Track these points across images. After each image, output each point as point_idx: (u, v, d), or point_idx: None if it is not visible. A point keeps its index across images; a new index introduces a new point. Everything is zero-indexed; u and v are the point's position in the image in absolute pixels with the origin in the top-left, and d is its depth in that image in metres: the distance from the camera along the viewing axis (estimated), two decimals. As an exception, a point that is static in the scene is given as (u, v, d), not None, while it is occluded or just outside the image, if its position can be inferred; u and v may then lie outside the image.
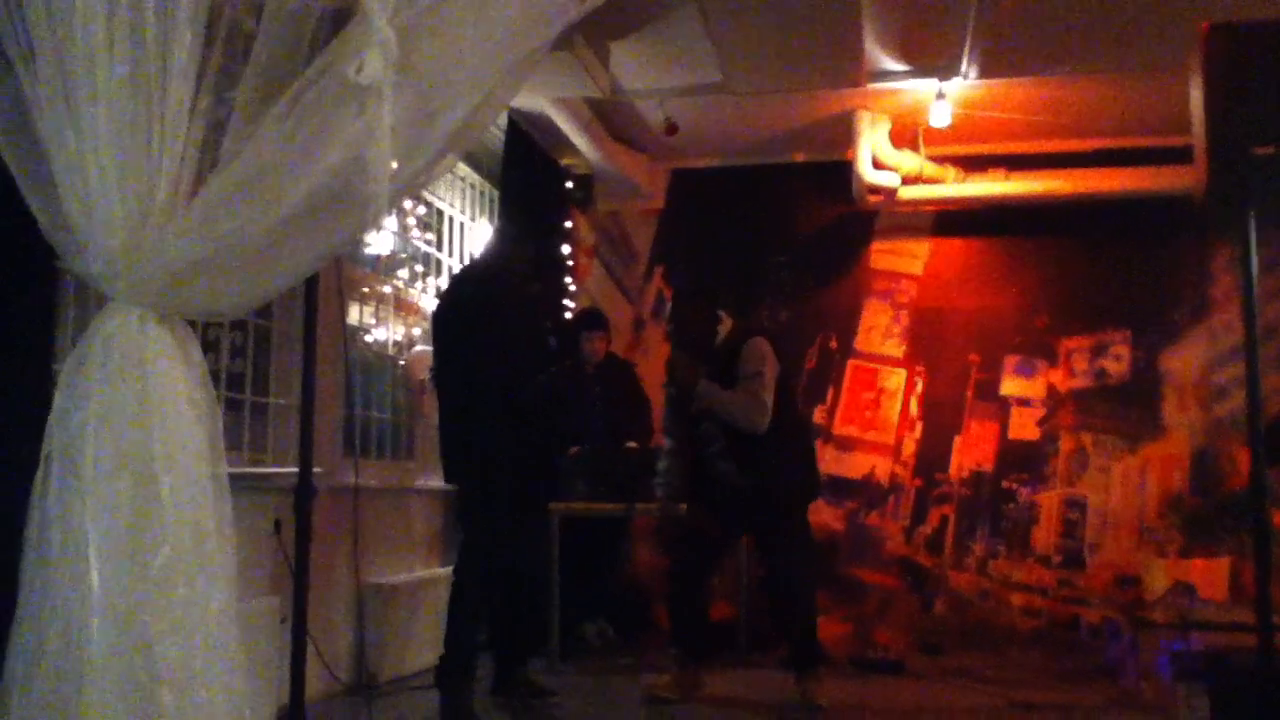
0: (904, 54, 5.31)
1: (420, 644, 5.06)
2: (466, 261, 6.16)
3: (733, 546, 5.28)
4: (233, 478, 2.18)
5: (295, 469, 3.24)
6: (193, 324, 2.17)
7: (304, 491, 3.20)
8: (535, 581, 4.83)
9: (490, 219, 6.52)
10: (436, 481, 5.50)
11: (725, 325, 4.80)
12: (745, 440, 4.62)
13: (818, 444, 6.55)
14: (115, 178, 1.96)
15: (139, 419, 1.99)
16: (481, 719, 4.21)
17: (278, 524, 4.02)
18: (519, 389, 4.29)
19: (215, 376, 3.72)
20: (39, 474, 1.99)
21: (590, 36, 4.89)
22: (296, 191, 2.01)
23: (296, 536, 3.19)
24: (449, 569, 5.40)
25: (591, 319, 6.19)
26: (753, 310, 6.55)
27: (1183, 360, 6.33)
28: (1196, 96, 5.18)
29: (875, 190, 6.36)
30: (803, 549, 4.79)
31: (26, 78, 1.98)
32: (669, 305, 4.93)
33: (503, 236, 4.88)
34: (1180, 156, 5.78)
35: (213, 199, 2.01)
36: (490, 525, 4.27)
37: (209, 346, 3.97)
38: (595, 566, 6.08)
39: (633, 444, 5.92)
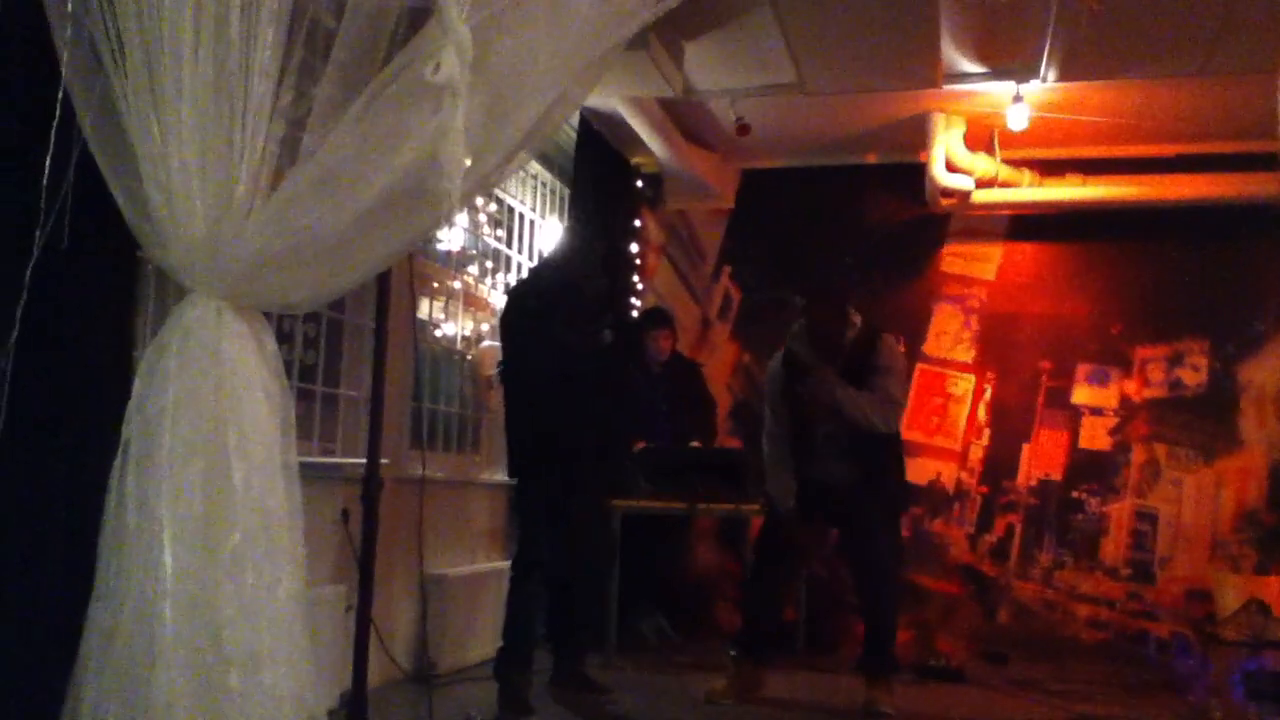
0: (981, 55, 5.24)
1: (481, 635, 5.11)
2: (537, 259, 6.22)
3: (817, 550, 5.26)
4: (302, 467, 2.22)
5: (364, 460, 3.30)
6: (268, 315, 2.22)
7: (372, 482, 3.26)
8: (592, 576, 4.86)
9: (560, 216, 6.56)
10: (501, 475, 5.55)
11: (855, 324, 4.76)
12: (862, 440, 4.60)
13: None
14: (197, 171, 2.01)
15: (214, 407, 2.04)
16: (538, 711, 4.24)
17: (345, 513, 4.08)
18: (575, 376, 4.36)
19: (288, 367, 3.79)
20: (117, 458, 2.04)
21: (664, 36, 4.88)
22: (372, 188, 2.04)
23: (363, 526, 3.25)
24: (510, 562, 5.46)
25: (657, 317, 6.20)
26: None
27: (1263, 372, 6.17)
28: (1284, 102, 5.04)
29: (948, 193, 6.28)
30: (897, 554, 4.78)
31: (115, 73, 2.04)
32: (800, 308, 4.84)
33: (570, 235, 4.96)
34: (1265, 163, 5.66)
35: (291, 194, 2.05)
36: (542, 519, 4.34)
37: (283, 338, 4.04)
38: (655, 564, 6.08)
39: (696, 443, 5.92)
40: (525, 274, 5.86)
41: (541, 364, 4.30)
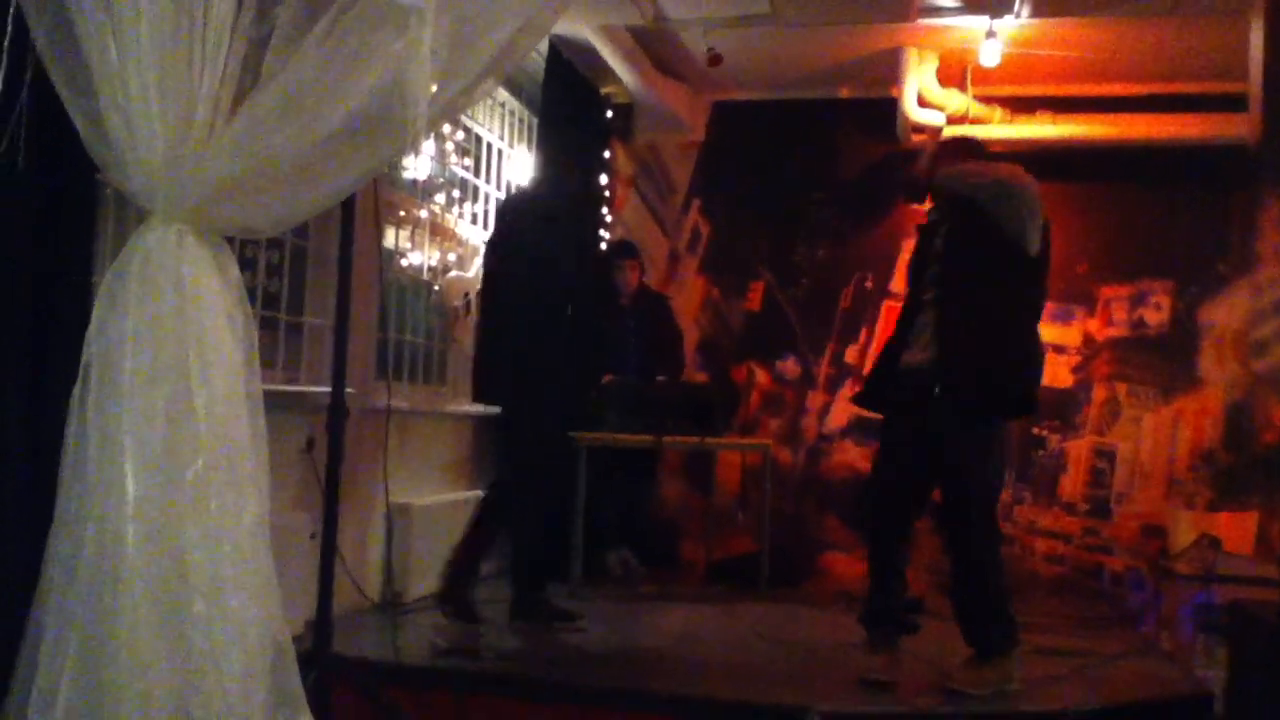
0: (955, -11, 5.20)
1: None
2: (515, 187, 6.18)
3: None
4: (267, 395, 2.20)
5: (328, 389, 3.27)
6: (230, 241, 2.18)
7: (337, 411, 3.24)
8: (557, 505, 4.91)
9: (529, 146, 6.48)
10: (467, 406, 5.54)
11: None
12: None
13: (848, 384, 6.57)
14: (156, 93, 1.97)
15: (176, 333, 2.01)
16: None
17: (310, 442, 4.07)
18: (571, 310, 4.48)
19: (251, 294, 3.74)
20: (77, 384, 2.02)
21: (636, -38, 4.81)
22: (336, 112, 2.01)
23: (328, 455, 3.23)
24: (476, 492, 5.46)
25: (624, 249, 6.18)
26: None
27: (1224, 313, 6.23)
28: (1256, 42, 5.05)
29: (920, 129, 6.25)
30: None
31: (71, -11, 1.98)
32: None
33: (551, 162, 4.99)
34: (1235, 104, 5.67)
35: (252, 117, 2.01)
36: (543, 441, 4.49)
37: (246, 264, 3.99)
38: (622, 497, 6.12)
39: (662, 377, 5.93)
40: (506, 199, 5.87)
41: (527, 288, 4.37)
